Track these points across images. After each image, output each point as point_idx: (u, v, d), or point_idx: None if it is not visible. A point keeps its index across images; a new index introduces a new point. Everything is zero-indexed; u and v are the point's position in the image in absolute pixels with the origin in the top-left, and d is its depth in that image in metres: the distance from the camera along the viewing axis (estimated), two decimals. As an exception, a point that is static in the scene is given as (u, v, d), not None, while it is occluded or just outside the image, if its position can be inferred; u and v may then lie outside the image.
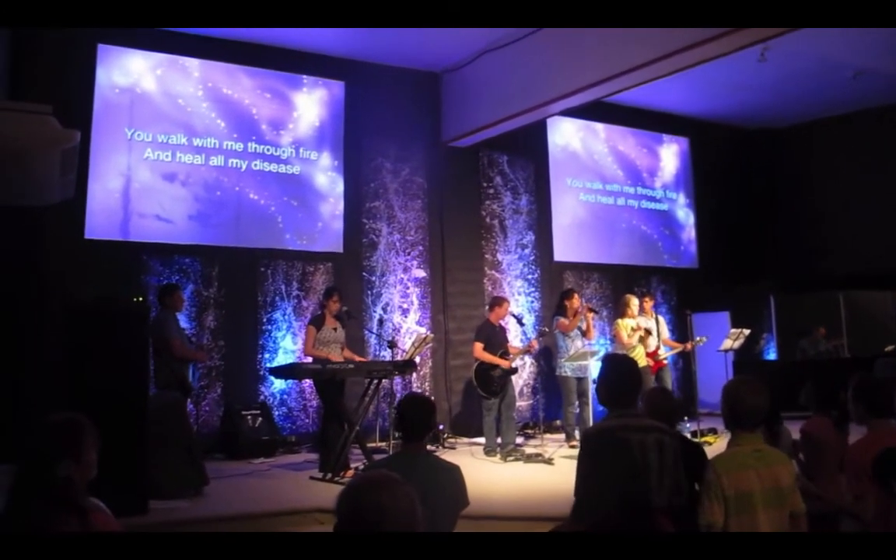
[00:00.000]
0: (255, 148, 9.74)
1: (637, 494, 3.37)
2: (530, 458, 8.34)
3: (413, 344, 8.48)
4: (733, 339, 10.02)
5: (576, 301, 9.39)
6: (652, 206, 13.14)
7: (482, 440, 8.94)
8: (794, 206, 13.64)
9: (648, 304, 9.84)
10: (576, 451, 8.29)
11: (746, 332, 10.10)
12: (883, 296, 12.29)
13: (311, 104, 10.20)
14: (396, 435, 8.44)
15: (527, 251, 11.52)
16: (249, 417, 8.82)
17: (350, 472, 7.27)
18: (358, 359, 8.34)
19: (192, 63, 9.48)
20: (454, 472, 3.69)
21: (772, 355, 12.63)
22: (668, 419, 4.14)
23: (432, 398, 8.96)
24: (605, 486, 3.38)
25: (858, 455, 3.92)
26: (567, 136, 12.28)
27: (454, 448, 9.46)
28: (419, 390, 10.05)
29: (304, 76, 10.18)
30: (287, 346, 9.55)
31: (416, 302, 10.55)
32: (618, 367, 3.79)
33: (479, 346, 8.68)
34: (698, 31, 7.54)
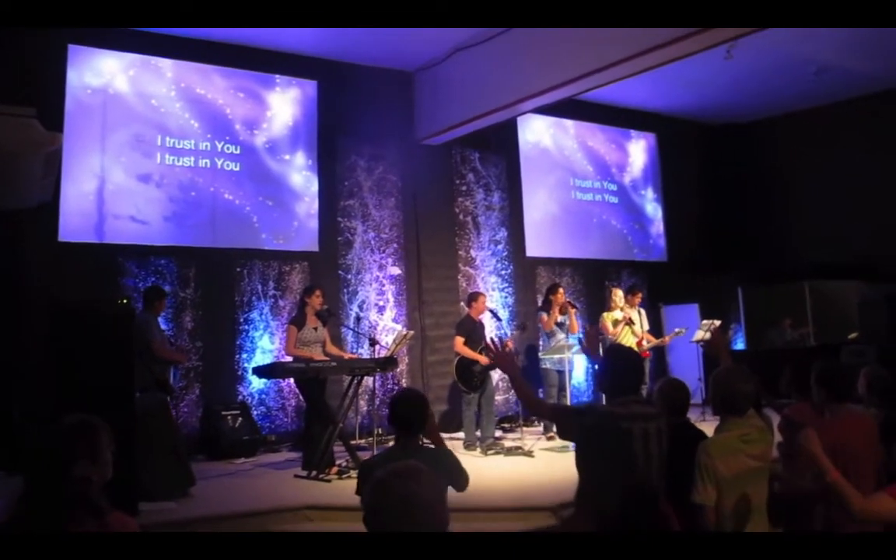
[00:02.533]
0: (230, 148, 9.72)
1: (642, 483, 3.49)
2: (510, 451, 8.46)
3: (394, 341, 8.55)
4: (705, 330, 10.24)
5: (561, 296, 9.52)
6: (621, 200, 13.32)
7: (461, 435, 9.03)
8: (760, 199, 13.92)
9: (636, 298, 10.05)
10: (554, 443, 8.51)
11: (717, 322, 10.32)
12: (846, 285, 12.56)
13: (284, 104, 10.21)
14: (378, 431, 8.55)
15: (500, 247, 11.63)
16: (230, 417, 8.81)
17: (334, 470, 7.32)
18: (347, 356, 8.40)
19: (165, 63, 9.43)
20: (450, 458, 3.80)
21: (740, 345, 12.87)
22: (680, 411, 4.32)
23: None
24: (611, 474, 3.48)
25: (832, 440, 4.10)
26: (538, 132, 12.41)
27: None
28: (397, 387, 10.11)
29: (278, 76, 10.17)
30: (265, 346, 9.55)
31: (391, 299, 10.61)
32: (621, 357, 3.92)
33: (459, 340, 8.76)
34: (667, 31, 7.68)
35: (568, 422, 3.85)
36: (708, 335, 10.24)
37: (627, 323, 9.58)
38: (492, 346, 4.28)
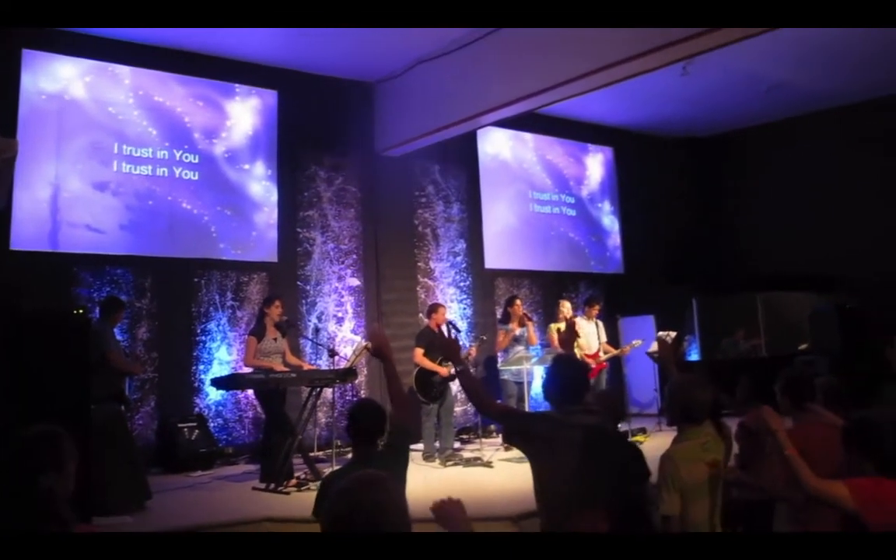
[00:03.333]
0: (188, 157, 9.63)
1: (593, 492, 3.53)
2: (469, 462, 8.49)
3: (353, 352, 8.53)
4: (660, 341, 10.35)
5: (518, 308, 9.58)
6: (579, 213, 13.46)
7: (421, 446, 9.03)
8: (714, 212, 14.19)
9: (594, 310, 10.16)
10: (513, 454, 8.55)
11: (673, 334, 10.46)
12: (798, 297, 12.85)
13: (244, 113, 10.15)
14: (338, 443, 8.51)
15: (459, 259, 11.68)
16: (186, 430, 8.71)
17: (293, 482, 7.27)
18: (306, 367, 8.36)
19: (123, 70, 9.31)
20: (403, 441, 3.88)
21: (694, 356, 13.06)
22: (615, 419, 4.38)
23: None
24: (560, 481, 3.51)
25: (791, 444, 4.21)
26: (497, 145, 12.50)
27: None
28: (356, 398, 10.08)
29: (237, 85, 10.11)
30: (222, 357, 9.46)
31: (350, 310, 10.59)
32: (566, 366, 3.96)
33: (419, 351, 8.77)
34: (627, 48, 7.83)
35: (514, 426, 3.85)
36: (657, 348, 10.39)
37: (558, 333, 9.69)
38: (446, 334, 4.29)
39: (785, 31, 8.01)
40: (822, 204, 12.88)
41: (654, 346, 10.42)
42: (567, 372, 3.85)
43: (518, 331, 9.46)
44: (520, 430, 3.80)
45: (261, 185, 10.17)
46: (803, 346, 11.90)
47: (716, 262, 13.76)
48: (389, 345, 4.02)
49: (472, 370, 9.50)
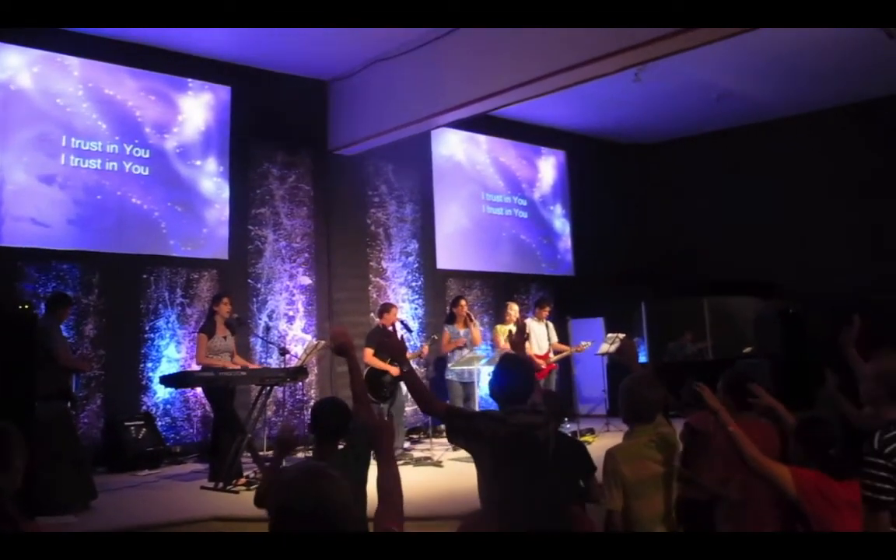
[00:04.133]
0: (139, 151, 9.50)
1: (545, 491, 3.58)
2: (419, 462, 8.52)
3: (305, 350, 8.50)
4: (610, 343, 10.53)
5: (463, 308, 9.63)
6: (531, 215, 13.59)
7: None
8: (664, 217, 14.41)
9: (544, 311, 10.25)
10: (463, 454, 8.57)
11: (622, 336, 10.61)
12: (743, 301, 13.12)
13: (196, 108, 10.04)
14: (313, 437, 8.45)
15: (411, 259, 11.71)
16: (133, 428, 8.60)
17: (242, 481, 7.24)
18: (252, 366, 8.31)
19: (72, 61, 9.14)
20: (363, 438, 3.85)
21: (643, 358, 13.26)
22: (558, 419, 4.47)
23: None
24: (508, 481, 3.56)
25: (726, 444, 4.33)
26: (451, 146, 12.56)
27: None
28: (306, 397, 10.06)
29: (190, 79, 10.01)
30: (171, 355, 9.36)
31: (301, 309, 10.55)
32: (513, 366, 4.01)
33: (369, 351, 8.77)
34: (582, 52, 7.93)
35: (458, 425, 3.88)
36: (613, 348, 10.54)
37: (509, 335, 9.75)
38: (398, 333, 4.31)
39: (735, 40, 8.22)
40: (767, 211, 13.19)
41: (605, 348, 10.57)
42: (513, 372, 3.90)
43: (462, 332, 9.48)
44: (463, 429, 3.82)
45: (212, 181, 10.08)
46: (748, 350, 12.17)
47: (664, 266, 13.99)
48: (353, 343, 4.03)
49: (423, 369, 9.65)
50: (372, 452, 3.72)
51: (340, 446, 3.88)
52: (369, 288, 11.18)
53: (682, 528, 4.57)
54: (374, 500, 2.45)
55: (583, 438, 9.20)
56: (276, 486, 2.08)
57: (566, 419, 9.71)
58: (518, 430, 3.62)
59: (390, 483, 2.59)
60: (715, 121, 13.38)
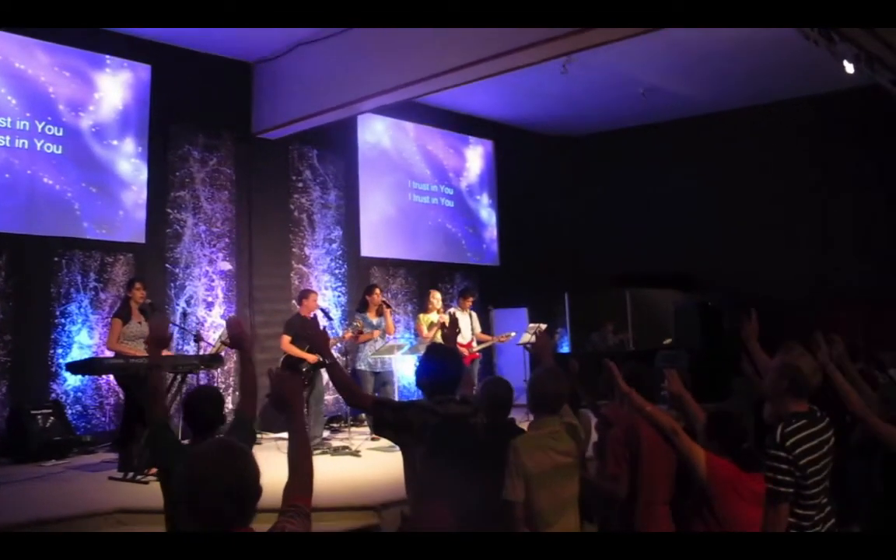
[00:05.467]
0: (51, 129, 9.17)
1: (477, 480, 3.59)
2: (337, 451, 8.48)
3: (220, 338, 8.36)
4: (531, 333, 10.61)
5: (377, 296, 9.57)
6: (457, 205, 13.60)
7: (285, 435, 8.93)
8: (588, 209, 14.57)
9: (468, 302, 10.34)
10: (381, 443, 8.58)
11: (543, 326, 10.72)
12: (664, 294, 13.40)
13: (114, 86, 9.74)
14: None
15: (334, 246, 11.62)
16: (40, 417, 8.30)
17: (154, 470, 7.07)
18: (165, 353, 8.11)
19: (-21, 33, 8.79)
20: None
21: (565, 349, 13.44)
22: (503, 408, 4.48)
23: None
24: (444, 472, 3.55)
25: (617, 441, 4.41)
26: (377, 133, 12.48)
27: (260, 443, 9.39)
28: (224, 386, 9.91)
29: (108, 56, 9.69)
30: (83, 341, 9.09)
31: (221, 295, 10.37)
32: (441, 356, 4.01)
33: (286, 338, 8.67)
34: (508, 41, 7.94)
35: (385, 416, 3.85)
36: (534, 338, 10.63)
37: (441, 327, 9.78)
38: (311, 324, 4.24)
39: (662, 37, 8.36)
40: (689, 207, 13.46)
41: (526, 338, 10.65)
42: (441, 362, 3.90)
43: (376, 321, 9.42)
44: (390, 421, 3.81)
45: (130, 162, 9.81)
46: (667, 341, 12.43)
47: (588, 257, 14.17)
48: (248, 336, 3.96)
49: (345, 357, 9.59)
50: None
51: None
52: (291, 275, 11.05)
53: (593, 522, 4.64)
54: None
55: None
56: (189, 458, 2.05)
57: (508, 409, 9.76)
58: (450, 420, 3.62)
59: (299, 455, 2.54)
60: (641, 115, 13.57)
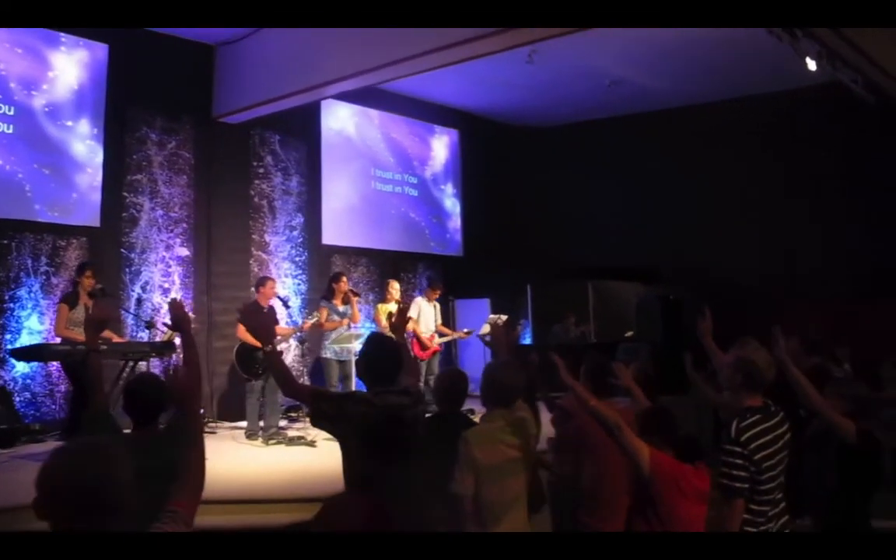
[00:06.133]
0: (2, 108, 8.87)
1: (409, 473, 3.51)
2: (293, 441, 8.37)
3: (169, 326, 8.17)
4: (491, 324, 10.55)
5: (344, 284, 9.48)
6: (421, 194, 13.50)
7: (244, 424, 8.81)
8: (553, 201, 14.55)
9: (436, 293, 10.42)
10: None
11: (504, 317, 10.67)
12: (626, 286, 13.41)
13: (69, 65, 9.47)
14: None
15: (295, 233, 11.46)
16: (-15, 405, 8.09)
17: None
18: (116, 338, 7.94)
19: (-73, 8, 8.50)
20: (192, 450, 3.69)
21: (528, 340, 13.40)
22: (455, 401, 4.40)
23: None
24: (370, 463, 3.47)
25: (579, 433, 4.36)
26: (341, 120, 12.33)
27: (215, 433, 9.26)
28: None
29: (63, 34, 9.42)
30: (33, 327, 8.83)
31: (178, 281, 10.17)
32: (380, 345, 3.93)
33: (242, 326, 8.52)
34: (471, 29, 7.84)
35: (321, 408, 3.74)
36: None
37: (399, 317, 9.70)
38: (251, 311, 4.13)
39: (628, 30, 8.32)
40: (651, 200, 13.49)
41: (487, 329, 10.60)
42: (379, 351, 3.83)
43: (342, 309, 9.33)
44: (326, 412, 3.71)
45: (85, 144, 9.56)
46: (629, 334, 12.43)
47: (552, 249, 14.15)
48: (188, 318, 3.83)
49: (304, 346, 9.46)
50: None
51: (161, 427, 3.71)
52: (251, 261, 10.88)
53: (553, 513, 4.58)
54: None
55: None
56: (50, 460, 1.97)
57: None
58: (386, 411, 3.54)
59: (190, 457, 2.44)
60: (607, 107, 13.55)
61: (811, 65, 8.50)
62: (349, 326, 9.32)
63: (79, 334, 7.39)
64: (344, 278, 9.59)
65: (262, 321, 3.93)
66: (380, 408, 3.54)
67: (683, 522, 3.47)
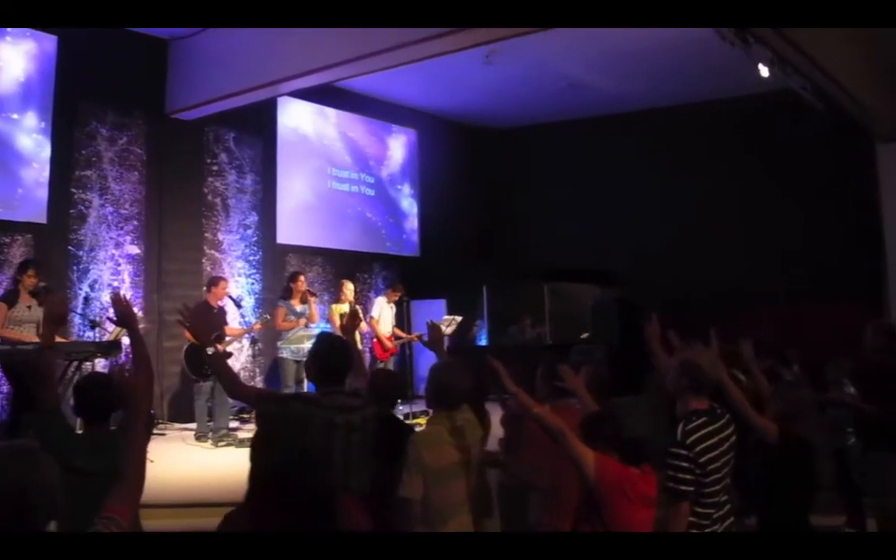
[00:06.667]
0: (-57, 101, 8.68)
1: (316, 480, 3.43)
2: (243, 443, 8.24)
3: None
4: (446, 325, 10.50)
5: (301, 284, 9.39)
6: (378, 194, 13.42)
7: (194, 425, 8.68)
8: (509, 203, 14.58)
9: (397, 294, 10.47)
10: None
11: (458, 318, 10.65)
12: (582, 288, 13.46)
13: (15, 57, 9.22)
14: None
15: (249, 232, 11.33)
16: (-80, 407, 7.84)
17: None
18: (59, 339, 7.73)
19: None
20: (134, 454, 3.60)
21: (484, 341, 13.40)
22: (389, 399, 4.34)
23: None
24: (294, 467, 3.40)
25: (538, 431, 4.32)
26: (298, 118, 12.21)
27: (164, 434, 9.09)
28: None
29: (10, 27, 9.20)
30: (-27, 326, 8.60)
31: (128, 280, 9.97)
32: (329, 345, 3.87)
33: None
34: (427, 28, 7.79)
35: (267, 409, 3.65)
36: (449, 330, 10.54)
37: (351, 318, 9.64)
38: (192, 312, 4.04)
39: (587, 31, 8.33)
40: (612, 202, 13.57)
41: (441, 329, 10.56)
42: (328, 351, 3.78)
43: (300, 309, 9.25)
44: (272, 413, 3.63)
45: (31, 138, 9.32)
46: (584, 336, 12.47)
47: (508, 251, 14.16)
48: (134, 314, 3.72)
49: (256, 346, 9.35)
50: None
51: (113, 428, 3.61)
52: (203, 260, 10.71)
53: (505, 517, 4.53)
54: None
55: (415, 420, 9.13)
56: None
57: (399, 401, 9.64)
58: (335, 412, 3.47)
59: (129, 460, 2.38)
60: (565, 110, 13.59)
61: (763, 71, 8.58)
62: (307, 326, 9.22)
63: (17, 333, 7.19)
64: (301, 278, 9.52)
65: (205, 321, 3.84)
66: (327, 409, 3.48)
67: (629, 528, 3.45)
